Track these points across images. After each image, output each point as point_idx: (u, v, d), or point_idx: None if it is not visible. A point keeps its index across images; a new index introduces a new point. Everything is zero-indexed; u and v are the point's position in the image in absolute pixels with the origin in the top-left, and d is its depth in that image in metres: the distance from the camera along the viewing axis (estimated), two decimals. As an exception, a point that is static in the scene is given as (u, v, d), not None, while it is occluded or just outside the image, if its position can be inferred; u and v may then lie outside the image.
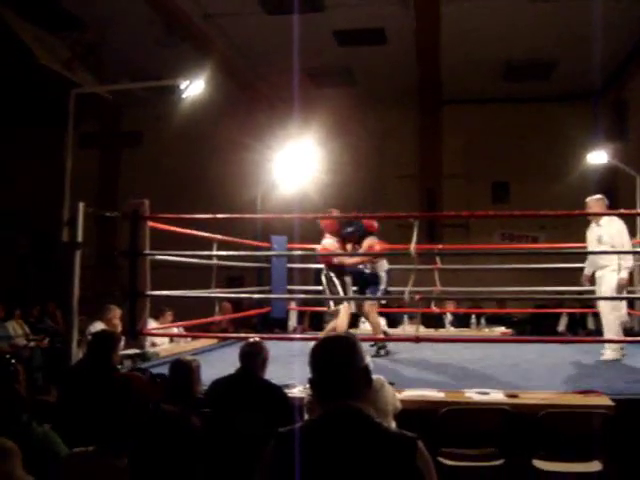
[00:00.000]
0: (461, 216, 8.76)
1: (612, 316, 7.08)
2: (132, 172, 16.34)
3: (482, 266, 10.74)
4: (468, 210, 11.92)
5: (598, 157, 11.62)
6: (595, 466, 4.63)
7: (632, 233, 10.01)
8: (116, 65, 13.48)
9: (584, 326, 10.66)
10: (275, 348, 6.27)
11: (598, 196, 7.49)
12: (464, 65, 13.70)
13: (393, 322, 9.96)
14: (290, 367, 5.44)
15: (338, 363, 2.18)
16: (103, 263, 13.37)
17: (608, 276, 7.11)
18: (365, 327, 10.47)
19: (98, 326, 6.93)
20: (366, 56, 13.36)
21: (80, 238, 6.57)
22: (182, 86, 8.51)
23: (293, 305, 10.78)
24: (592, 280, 7.43)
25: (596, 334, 7.78)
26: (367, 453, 2.02)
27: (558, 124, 14.81)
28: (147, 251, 6.98)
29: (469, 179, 15.70)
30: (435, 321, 10.73)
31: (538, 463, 4.68)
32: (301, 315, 11.38)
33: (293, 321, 10.77)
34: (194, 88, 8.49)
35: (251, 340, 4.64)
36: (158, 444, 2.03)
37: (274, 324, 10.28)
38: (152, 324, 8.22)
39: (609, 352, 7.11)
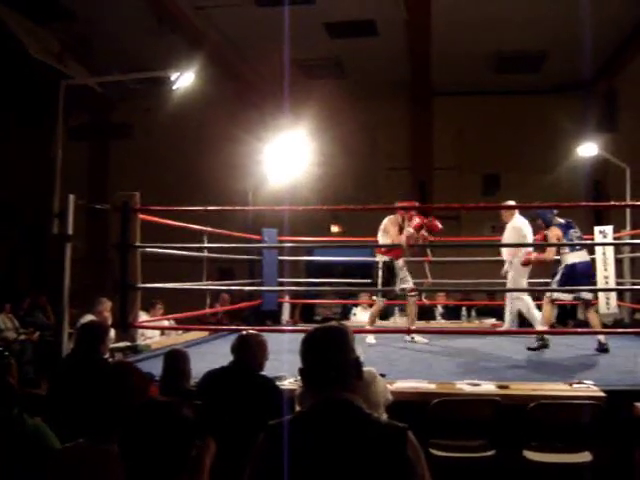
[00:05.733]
0: (452, 208, 8.81)
1: (510, 306, 8.35)
2: (122, 164, 16.28)
3: (473, 258, 10.78)
4: (459, 202, 11.94)
5: (588, 149, 11.66)
6: (585, 457, 4.66)
7: (621, 225, 10.11)
8: (107, 57, 13.41)
9: (574, 317, 10.68)
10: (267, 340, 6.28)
11: (509, 203, 8.34)
12: (455, 57, 13.68)
13: (384, 314, 9.95)
14: (281, 359, 5.44)
15: (328, 353, 2.18)
16: (94, 256, 13.33)
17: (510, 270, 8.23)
18: (355, 319, 10.54)
19: (88, 319, 6.91)
20: (357, 48, 13.33)
21: (70, 231, 6.56)
22: (172, 78, 8.48)
23: (286, 298, 10.80)
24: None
25: (585, 326, 7.82)
26: (357, 444, 2.02)
27: (549, 116, 14.81)
28: (138, 243, 6.98)
29: (460, 171, 15.70)
30: (426, 313, 10.77)
31: (529, 454, 4.70)
32: (292, 307, 11.39)
33: (286, 314, 10.80)
34: (184, 80, 8.46)
35: (244, 332, 4.64)
36: (148, 432, 2.02)
37: (266, 316, 10.28)
38: (143, 317, 8.23)
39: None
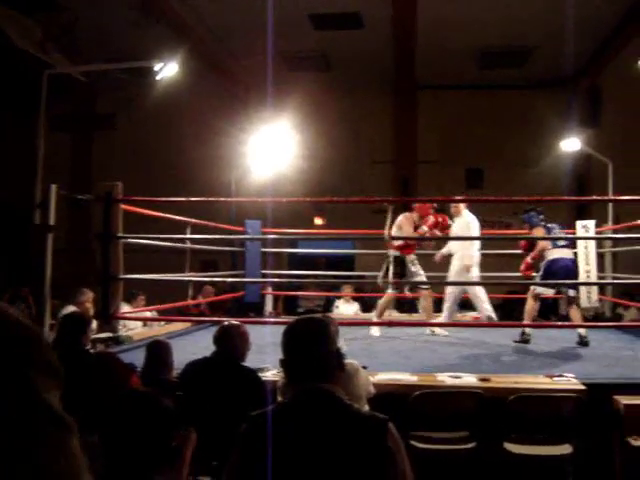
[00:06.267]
0: (435, 200, 8.83)
1: (448, 297, 8.60)
2: (105, 155, 16.19)
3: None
4: (442, 196, 11.97)
5: (571, 144, 11.73)
6: (566, 449, 4.69)
7: (603, 219, 10.18)
8: (90, 46, 13.31)
9: (556, 312, 10.75)
10: (249, 332, 6.27)
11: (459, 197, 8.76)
12: (440, 51, 13.71)
13: (368, 307, 9.98)
14: (264, 351, 5.44)
15: (310, 345, 2.19)
16: (76, 246, 13.26)
17: (454, 263, 8.50)
18: (338, 311, 10.55)
19: (70, 310, 6.86)
20: (342, 40, 13.31)
21: (52, 221, 6.52)
22: (156, 68, 8.45)
23: (269, 290, 10.80)
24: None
25: (567, 319, 7.89)
26: (338, 434, 2.03)
27: (532, 111, 14.89)
28: (120, 234, 6.95)
29: (443, 165, 15.74)
30: (408, 306, 10.81)
31: (509, 446, 4.73)
32: (275, 299, 11.39)
33: (268, 306, 10.80)
34: (168, 70, 8.45)
35: (226, 323, 4.64)
36: (129, 423, 2.02)
37: (248, 308, 10.27)
38: (125, 308, 8.20)
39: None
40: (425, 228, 8.08)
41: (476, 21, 12.21)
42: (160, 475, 2.00)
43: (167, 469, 2.06)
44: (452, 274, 8.57)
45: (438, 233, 8.25)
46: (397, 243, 8.08)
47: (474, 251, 8.47)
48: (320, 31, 12.84)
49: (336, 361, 2.20)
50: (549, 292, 7.66)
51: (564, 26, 10.80)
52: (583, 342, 7.22)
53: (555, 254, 7.27)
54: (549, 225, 7.49)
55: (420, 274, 8.26)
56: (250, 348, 4.54)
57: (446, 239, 8.72)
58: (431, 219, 8.14)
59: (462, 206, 8.55)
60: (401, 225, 8.15)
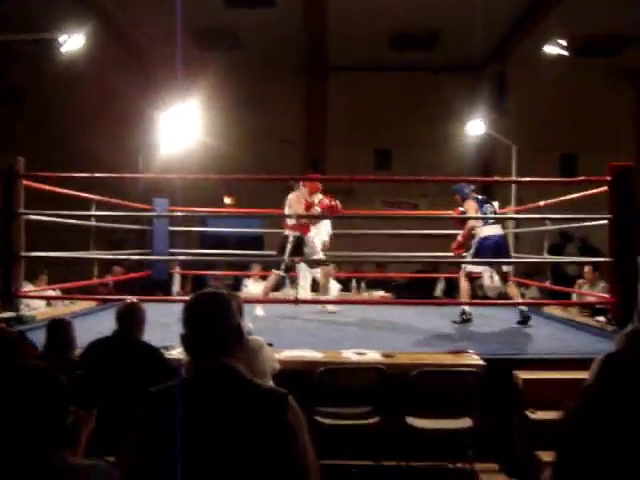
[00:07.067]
0: (342, 180, 8.88)
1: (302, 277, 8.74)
2: (11, 130, 15.65)
3: (363, 231, 10.95)
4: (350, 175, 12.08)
5: (476, 127, 11.97)
6: (466, 422, 4.83)
7: (506, 201, 10.45)
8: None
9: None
10: (156, 311, 6.21)
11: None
12: (352, 32, 13.73)
13: (276, 286, 9.97)
14: (170, 329, 5.39)
15: (209, 320, 2.17)
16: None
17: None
18: (247, 290, 10.54)
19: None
20: (253, 19, 13.19)
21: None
22: (61, 40, 8.21)
23: (177, 269, 10.69)
24: None
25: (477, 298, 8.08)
26: (238, 409, 2.03)
27: (441, 94, 15.13)
28: (22, 210, 6.76)
29: (353, 146, 15.86)
30: (316, 284, 10.87)
31: (411, 420, 4.84)
32: (183, 279, 11.28)
33: (176, 285, 10.69)
34: (74, 43, 8.21)
35: (127, 301, 4.58)
36: (21, 397, 1.97)
37: (156, 287, 10.15)
38: (28, 287, 7.99)
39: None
40: (318, 209, 8.04)
41: (387, 3, 12.27)
42: (55, 452, 1.95)
43: (62, 446, 2.02)
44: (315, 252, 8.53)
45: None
46: (291, 223, 8.05)
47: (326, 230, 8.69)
48: (231, 9, 12.68)
49: (236, 336, 2.19)
50: (478, 270, 7.79)
51: (473, 11, 11.00)
52: (525, 317, 7.34)
53: (485, 232, 7.37)
54: (479, 197, 7.60)
55: (317, 252, 8.26)
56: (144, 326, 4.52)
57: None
58: (325, 201, 8.12)
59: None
60: (290, 204, 8.09)
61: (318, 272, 8.64)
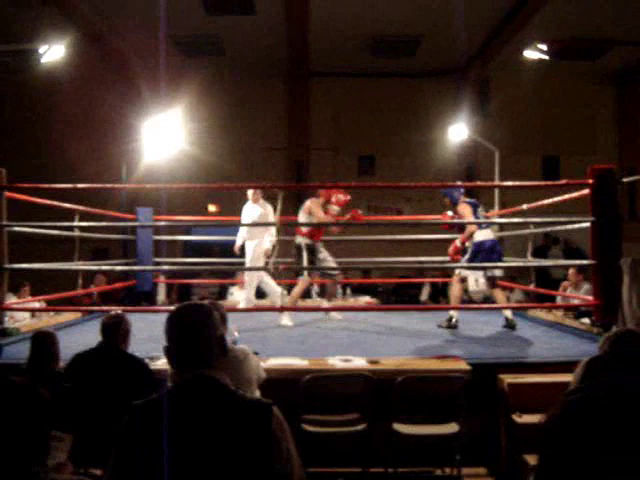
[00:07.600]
0: (325, 187, 8.82)
1: (248, 284, 8.73)
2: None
3: (348, 237, 10.92)
4: (334, 182, 12.07)
5: (459, 131, 12.00)
6: (452, 428, 4.83)
7: (490, 205, 10.48)
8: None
9: (445, 295, 11.02)
10: (141, 321, 6.19)
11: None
12: (333, 38, 13.75)
13: (261, 294, 9.94)
14: (155, 339, 5.37)
15: (192, 331, 2.17)
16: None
17: (252, 248, 8.79)
18: (233, 298, 10.49)
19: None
20: (235, 26, 13.17)
21: None
22: (41, 51, 8.18)
23: (162, 278, 10.65)
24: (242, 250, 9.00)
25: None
26: (222, 420, 2.03)
27: (423, 99, 15.20)
28: (4, 222, 6.71)
29: (336, 152, 15.88)
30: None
31: (398, 426, 4.83)
32: (169, 288, 11.25)
33: (162, 295, 10.65)
34: (54, 53, 8.18)
35: (112, 312, 4.57)
36: (2, 413, 1.96)
37: (141, 297, 10.10)
38: (12, 299, 7.94)
39: (285, 319, 7.99)
40: (336, 208, 8.05)
41: (369, 9, 12.30)
42: (38, 467, 1.94)
43: (44, 461, 2.01)
44: (249, 259, 8.80)
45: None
46: (305, 229, 8.03)
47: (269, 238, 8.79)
48: (212, 16, 12.66)
49: (219, 347, 2.19)
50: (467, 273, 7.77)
51: (455, 17, 11.05)
52: (510, 325, 7.37)
53: (480, 236, 7.37)
54: (471, 201, 7.59)
55: (329, 260, 8.23)
56: (129, 338, 4.51)
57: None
58: (341, 197, 8.08)
59: (260, 194, 8.86)
60: (310, 210, 8.05)
61: (268, 281, 8.71)
